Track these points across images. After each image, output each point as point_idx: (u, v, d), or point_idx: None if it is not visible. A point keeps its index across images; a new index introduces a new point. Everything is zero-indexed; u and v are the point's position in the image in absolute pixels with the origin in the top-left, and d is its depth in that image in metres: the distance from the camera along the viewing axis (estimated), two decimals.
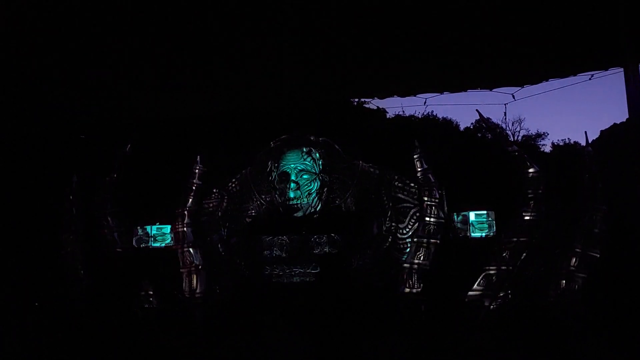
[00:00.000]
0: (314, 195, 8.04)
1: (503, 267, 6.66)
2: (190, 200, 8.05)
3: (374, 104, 12.42)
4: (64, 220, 7.83)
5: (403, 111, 16.69)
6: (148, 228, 8.15)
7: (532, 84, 7.25)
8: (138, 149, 8.45)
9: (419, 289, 6.90)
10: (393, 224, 7.82)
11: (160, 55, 6.54)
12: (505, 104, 7.56)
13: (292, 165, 8.05)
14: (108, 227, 7.88)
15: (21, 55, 6.54)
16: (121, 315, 6.97)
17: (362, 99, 11.98)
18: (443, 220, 7.26)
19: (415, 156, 7.53)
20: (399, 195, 7.92)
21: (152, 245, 8.13)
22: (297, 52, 6.45)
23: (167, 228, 8.12)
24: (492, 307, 6.58)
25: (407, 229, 7.76)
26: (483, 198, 7.77)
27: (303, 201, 7.99)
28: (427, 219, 7.27)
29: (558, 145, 20.41)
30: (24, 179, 8.06)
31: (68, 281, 7.67)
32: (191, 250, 7.84)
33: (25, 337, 6.17)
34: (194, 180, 8.01)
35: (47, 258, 7.78)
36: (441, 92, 7.50)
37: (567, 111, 48.96)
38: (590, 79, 6.94)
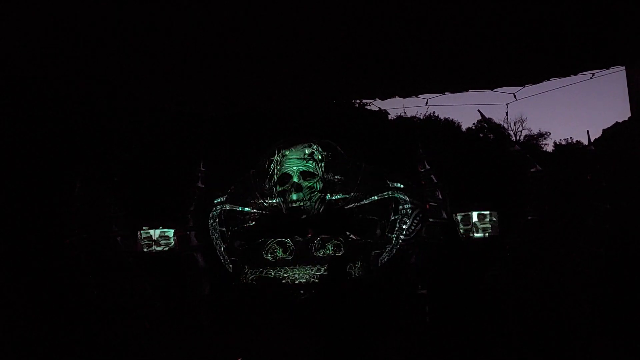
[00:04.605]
0: (316, 197, 8.04)
1: (506, 268, 6.64)
2: (194, 203, 8.09)
3: (375, 105, 12.42)
4: (68, 224, 7.84)
5: (405, 112, 16.74)
6: (151, 232, 8.17)
7: (533, 84, 7.22)
8: (141, 152, 8.49)
9: (423, 290, 6.90)
10: (396, 225, 7.82)
11: (162, 58, 6.55)
12: (507, 104, 7.54)
13: (295, 168, 8.06)
14: (112, 231, 7.89)
15: (24, 57, 6.56)
16: (125, 317, 6.98)
17: (364, 100, 11.97)
18: (446, 221, 7.26)
19: (417, 157, 7.55)
20: (402, 196, 7.92)
21: (156, 249, 8.14)
22: (299, 54, 6.45)
23: (171, 232, 8.15)
24: (496, 307, 6.57)
25: (410, 230, 7.76)
26: (486, 198, 7.76)
27: (306, 203, 7.99)
28: (430, 219, 7.28)
29: (560, 144, 20.38)
30: (27, 183, 8.07)
31: (72, 285, 7.68)
32: (195, 253, 7.87)
33: (28, 340, 6.19)
34: (197, 184, 8.04)
35: (51, 262, 7.79)
36: (443, 93, 7.48)
37: (569, 110, 48.86)
38: (591, 77, 6.91)
